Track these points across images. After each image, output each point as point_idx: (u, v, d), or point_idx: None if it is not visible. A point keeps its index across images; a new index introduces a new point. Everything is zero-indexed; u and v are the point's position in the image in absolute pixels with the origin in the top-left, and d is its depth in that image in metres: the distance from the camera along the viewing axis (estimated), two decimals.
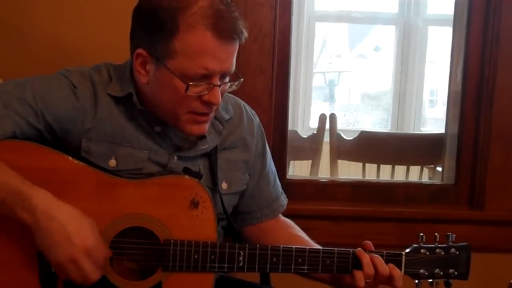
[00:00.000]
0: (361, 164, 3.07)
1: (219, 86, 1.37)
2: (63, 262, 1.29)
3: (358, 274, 1.43)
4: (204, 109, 1.39)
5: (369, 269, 1.43)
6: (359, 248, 1.46)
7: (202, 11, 1.32)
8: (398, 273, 1.45)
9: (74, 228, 1.29)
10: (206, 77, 1.35)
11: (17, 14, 1.97)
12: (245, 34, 1.38)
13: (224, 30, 1.33)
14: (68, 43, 1.98)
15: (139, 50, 1.38)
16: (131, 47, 1.42)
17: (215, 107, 1.41)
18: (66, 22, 1.98)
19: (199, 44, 1.32)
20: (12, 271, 1.36)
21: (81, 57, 1.92)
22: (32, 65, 1.94)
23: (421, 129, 4.41)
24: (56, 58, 1.96)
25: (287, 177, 2.22)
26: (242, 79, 1.45)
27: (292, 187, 2.15)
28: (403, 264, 1.47)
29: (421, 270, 1.48)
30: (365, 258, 1.44)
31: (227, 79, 1.41)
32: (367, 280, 1.43)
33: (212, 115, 1.44)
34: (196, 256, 1.39)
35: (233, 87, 1.44)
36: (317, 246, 1.53)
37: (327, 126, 3.17)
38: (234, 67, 1.40)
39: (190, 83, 1.34)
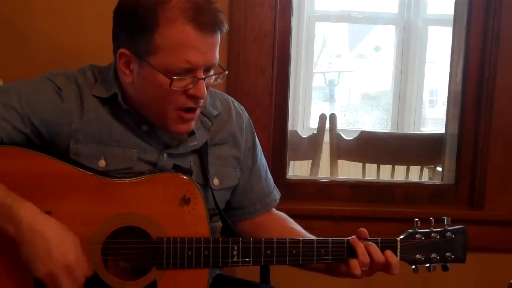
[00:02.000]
0: (361, 164, 3.07)
1: (204, 79, 1.37)
2: (43, 276, 1.29)
3: (353, 262, 1.42)
4: (191, 104, 1.39)
5: (364, 257, 1.42)
6: (353, 236, 1.46)
7: (181, 4, 1.32)
8: (395, 260, 1.44)
9: (56, 243, 1.29)
10: (190, 71, 1.35)
11: (17, 14, 1.97)
12: (226, 26, 1.38)
13: (204, 22, 1.33)
14: (68, 43, 1.98)
15: (122, 50, 1.38)
16: (114, 48, 1.42)
17: (202, 101, 1.41)
18: (66, 22, 1.98)
19: (180, 38, 1.32)
20: (6, 279, 1.35)
21: (81, 57, 1.92)
22: (32, 65, 1.95)
23: (421, 129, 4.41)
24: (56, 58, 1.96)
25: (287, 177, 2.22)
26: (227, 72, 1.45)
27: (292, 187, 2.16)
28: (398, 250, 1.46)
29: (417, 255, 1.47)
30: (360, 246, 1.43)
31: (211, 72, 1.41)
32: (363, 268, 1.43)
33: (198, 111, 1.44)
34: (189, 253, 1.39)
35: (218, 80, 1.44)
36: (312, 237, 1.52)
37: (327, 126, 3.16)
38: (217, 60, 1.40)
39: (174, 77, 1.34)
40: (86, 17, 1.98)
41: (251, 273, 1.60)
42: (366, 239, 1.46)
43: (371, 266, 1.43)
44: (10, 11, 1.97)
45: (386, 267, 1.44)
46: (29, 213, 1.29)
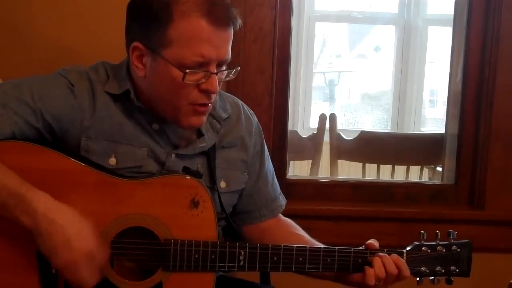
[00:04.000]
0: (361, 164, 3.07)
1: (216, 74, 1.37)
2: (63, 265, 1.29)
3: (370, 271, 1.43)
4: (203, 99, 1.39)
5: (380, 271, 1.42)
6: (373, 256, 1.45)
7: None
8: (402, 262, 1.44)
9: (74, 232, 1.29)
10: (203, 65, 1.35)
11: (17, 14, 1.97)
12: (239, 21, 1.39)
13: (218, 16, 1.33)
14: (68, 43, 1.98)
15: (135, 44, 1.38)
16: (126, 42, 1.42)
17: (214, 96, 1.41)
18: (66, 22, 1.98)
19: (194, 31, 1.33)
20: (12, 272, 1.36)
21: (81, 57, 1.92)
22: (32, 65, 1.95)
23: (421, 129, 4.41)
24: (56, 58, 1.96)
25: (287, 177, 2.22)
26: (239, 68, 1.46)
27: (292, 187, 2.16)
28: (404, 261, 1.47)
29: (422, 268, 1.48)
30: (377, 260, 1.44)
31: (223, 68, 1.41)
32: (377, 283, 1.43)
33: (210, 106, 1.44)
34: (196, 256, 1.39)
35: (230, 75, 1.45)
36: (319, 244, 1.53)
37: (327, 126, 3.16)
38: (230, 56, 1.40)
39: (187, 70, 1.34)
40: (86, 16, 1.98)
41: (252, 273, 1.60)
42: (374, 251, 1.46)
43: (385, 278, 1.43)
44: (9, 11, 1.97)
45: (397, 276, 1.44)
46: (43, 203, 1.29)
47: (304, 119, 4.39)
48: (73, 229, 1.29)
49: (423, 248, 1.48)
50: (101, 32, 1.96)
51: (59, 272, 1.32)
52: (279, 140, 2.14)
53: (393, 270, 1.43)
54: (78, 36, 1.98)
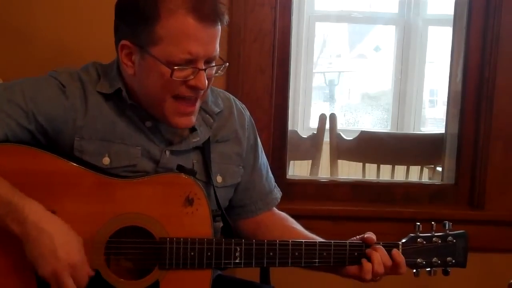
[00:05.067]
0: (361, 164, 3.07)
1: (204, 70, 1.38)
2: (47, 274, 1.29)
3: (367, 266, 1.43)
4: (190, 93, 1.39)
5: (379, 267, 1.42)
6: (369, 250, 1.45)
7: None
8: (402, 259, 1.45)
9: (61, 243, 1.29)
10: (191, 62, 1.36)
11: (17, 14, 1.97)
12: (226, 17, 1.39)
13: (204, 12, 1.34)
14: (68, 43, 1.98)
15: (124, 42, 1.39)
16: (115, 41, 1.43)
17: (202, 91, 1.41)
18: (66, 22, 1.98)
19: (181, 28, 1.33)
20: (10, 277, 1.36)
21: (81, 57, 1.91)
22: (32, 65, 1.95)
23: (421, 129, 4.41)
24: (56, 58, 1.96)
25: (287, 177, 2.22)
26: (228, 63, 1.46)
27: (292, 187, 2.16)
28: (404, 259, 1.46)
29: (418, 260, 1.48)
30: (376, 256, 1.44)
31: (212, 64, 1.42)
32: (374, 278, 1.43)
33: (198, 104, 1.44)
34: (192, 253, 1.40)
35: (219, 71, 1.45)
36: (314, 237, 1.53)
37: (327, 126, 3.16)
38: (218, 52, 1.40)
39: (175, 67, 1.35)
40: (86, 16, 1.98)
41: (251, 273, 1.60)
42: (370, 244, 1.46)
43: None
44: (10, 11, 1.97)
45: (394, 267, 1.45)
46: (34, 212, 1.30)
47: (304, 119, 4.39)
48: (61, 239, 1.29)
49: (418, 239, 1.48)
50: (101, 32, 1.95)
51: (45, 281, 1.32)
52: (279, 140, 2.14)
53: (387, 261, 1.43)
54: (78, 36, 1.98)
